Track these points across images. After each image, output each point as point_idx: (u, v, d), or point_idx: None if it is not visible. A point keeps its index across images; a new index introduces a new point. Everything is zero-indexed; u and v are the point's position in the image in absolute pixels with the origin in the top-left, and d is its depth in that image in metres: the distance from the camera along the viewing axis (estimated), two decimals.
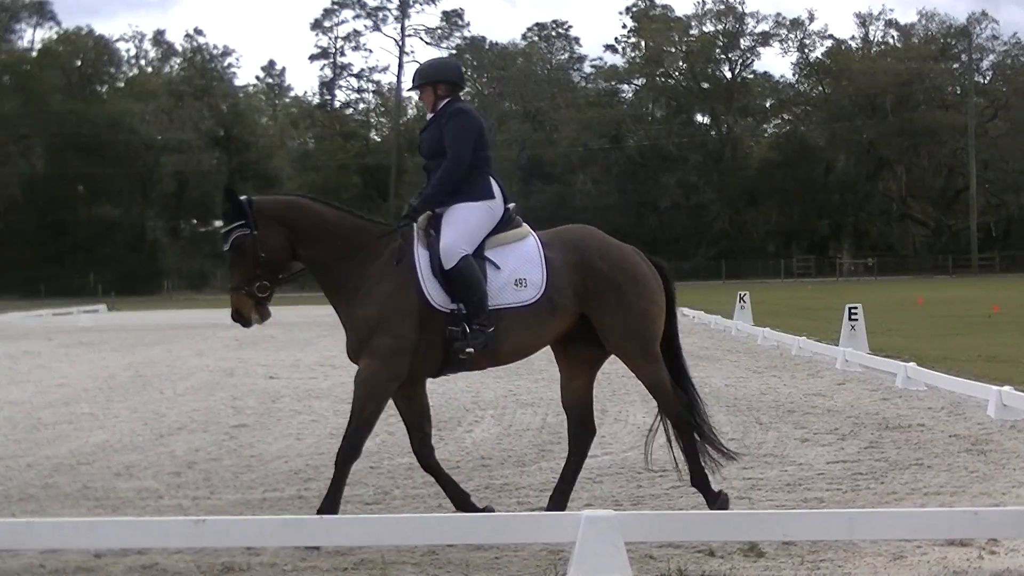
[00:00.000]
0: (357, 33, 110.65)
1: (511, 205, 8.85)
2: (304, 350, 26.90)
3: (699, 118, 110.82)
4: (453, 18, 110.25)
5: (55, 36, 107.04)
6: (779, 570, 7.16)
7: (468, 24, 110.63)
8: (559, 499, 8.77)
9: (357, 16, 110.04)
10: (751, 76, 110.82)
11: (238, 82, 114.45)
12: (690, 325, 33.87)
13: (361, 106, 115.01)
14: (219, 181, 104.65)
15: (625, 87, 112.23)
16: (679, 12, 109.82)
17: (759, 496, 9.49)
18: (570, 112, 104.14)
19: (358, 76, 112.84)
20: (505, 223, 8.72)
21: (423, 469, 8.94)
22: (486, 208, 8.61)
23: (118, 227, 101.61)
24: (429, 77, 8.90)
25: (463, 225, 8.48)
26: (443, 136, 8.61)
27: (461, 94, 8.95)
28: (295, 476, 10.94)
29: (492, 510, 8.70)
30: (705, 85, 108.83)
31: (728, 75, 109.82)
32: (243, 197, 8.62)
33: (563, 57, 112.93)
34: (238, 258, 8.51)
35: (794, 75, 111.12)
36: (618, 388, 16.55)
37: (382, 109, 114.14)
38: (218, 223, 8.80)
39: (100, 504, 9.61)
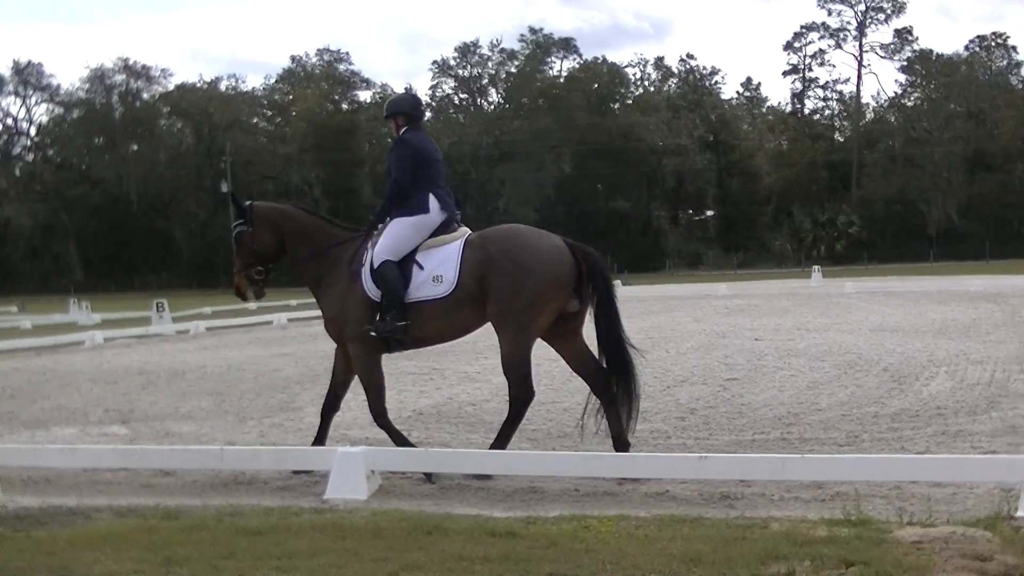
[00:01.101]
0: (822, 52, 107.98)
1: (457, 213, 9.00)
2: (783, 316, 26.56)
3: None
4: (904, 34, 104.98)
5: (577, 65, 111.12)
6: None
7: (917, 39, 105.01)
8: (618, 440, 8.71)
9: (822, 37, 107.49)
10: None
11: (723, 96, 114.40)
12: None
13: (827, 112, 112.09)
14: (710, 178, 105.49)
15: None
16: None
17: None
18: (1009, 111, 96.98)
19: (823, 87, 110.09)
20: (442, 228, 8.89)
21: (322, 414, 9.26)
22: (416, 221, 8.81)
23: (629, 217, 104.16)
24: (390, 110, 9.25)
25: (391, 237, 8.81)
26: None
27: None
28: (778, 421, 10.85)
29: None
30: None
31: None
32: (247, 203, 9.27)
33: (1002, 64, 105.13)
34: (239, 248, 9.28)
35: None
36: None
37: (844, 114, 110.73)
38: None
39: None
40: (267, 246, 9.27)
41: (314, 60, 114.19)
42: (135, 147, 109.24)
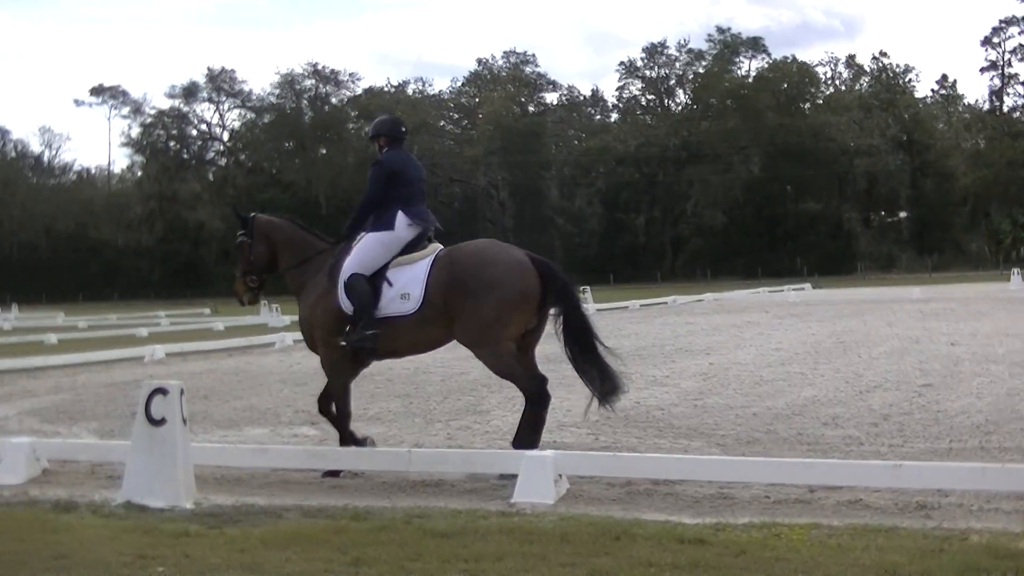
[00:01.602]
0: (1022, 47, 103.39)
1: (430, 230, 9.41)
2: (980, 321, 25.54)
3: None
4: None
5: (766, 65, 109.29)
6: None
7: None
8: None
9: (1022, 32, 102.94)
10: None
11: (917, 94, 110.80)
12: None
13: None
14: (903, 179, 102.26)
15: None
16: None
17: None
18: None
19: None
20: (412, 245, 9.27)
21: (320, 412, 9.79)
22: (383, 237, 9.22)
23: (819, 219, 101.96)
24: (372, 132, 9.87)
25: (360, 252, 9.24)
26: None
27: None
28: (977, 430, 10.42)
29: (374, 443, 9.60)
30: None
31: None
32: (252, 214, 10.15)
33: None
34: (239, 255, 10.19)
35: None
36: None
37: None
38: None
39: (811, 448, 9.62)
40: (262, 256, 10.05)
41: (500, 62, 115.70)
42: (324, 151, 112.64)
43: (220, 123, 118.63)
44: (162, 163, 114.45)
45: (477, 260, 8.98)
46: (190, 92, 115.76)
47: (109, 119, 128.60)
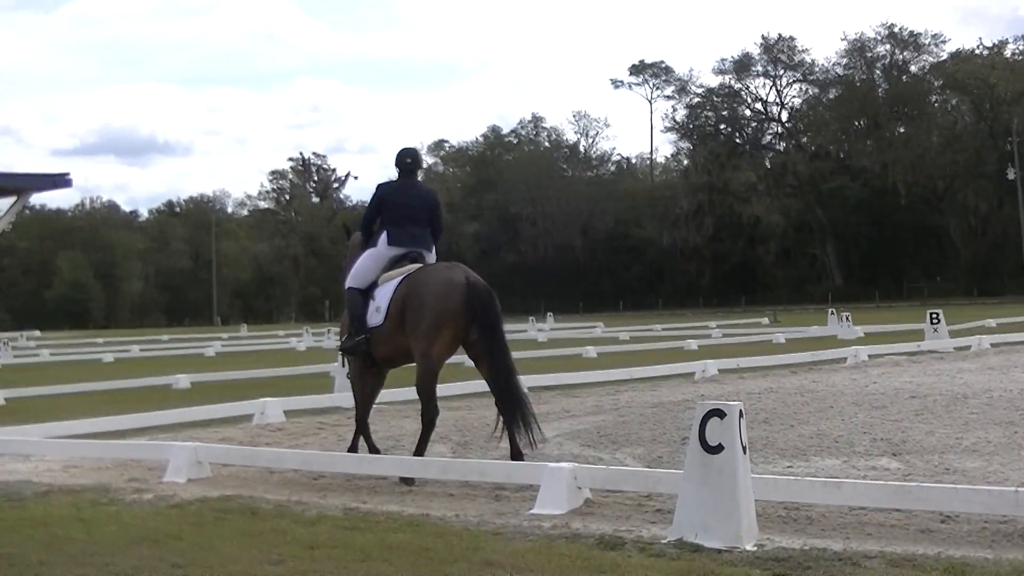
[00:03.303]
0: None
1: (412, 251, 12.05)
2: None
3: None
4: None
5: None
6: None
7: None
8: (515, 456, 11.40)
9: None
10: None
11: None
12: None
13: None
14: None
15: None
16: None
17: None
18: None
19: None
20: (394, 263, 12.00)
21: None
22: (372, 253, 12.16)
23: None
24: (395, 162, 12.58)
25: (355, 266, 12.24)
26: None
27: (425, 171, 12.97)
28: None
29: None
30: None
31: None
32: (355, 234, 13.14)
33: None
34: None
35: None
36: None
37: None
38: None
39: None
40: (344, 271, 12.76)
41: None
42: (901, 129, 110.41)
43: (777, 101, 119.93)
44: (711, 149, 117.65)
45: (422, 280, 11.64)
46: (742, 66, 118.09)
47: (651, 101, 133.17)
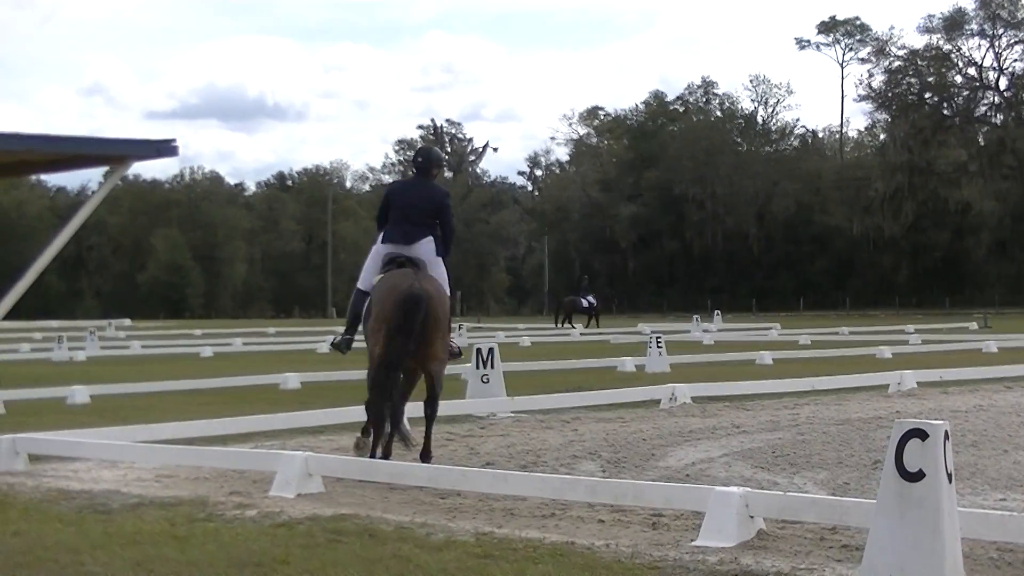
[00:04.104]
0: None
1: (403, 252, 13.41)
2: None
3: None
4: None
5: None
6: None
7: None
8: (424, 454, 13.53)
9: None
10: None
11: None
12: None
13: None
14: None
15: None
16: None
17: None
18: None
19: None
20: (387, 263, 13.42)
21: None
22: (373, 250, 13.85)
23: None
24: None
25: (365, 266, 13.98)
26: None
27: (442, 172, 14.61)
28: None
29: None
30: None
31: None
32: None
33: None
34: None
35: None
36: None
37: None
38: None
39: None
40: None
41: None
42: None
43: (995, 65, 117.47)
44: (914, 122, 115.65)
45: (378, 285, 13.24)
46: (954, 24, 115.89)
47: (842, 64, 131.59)
